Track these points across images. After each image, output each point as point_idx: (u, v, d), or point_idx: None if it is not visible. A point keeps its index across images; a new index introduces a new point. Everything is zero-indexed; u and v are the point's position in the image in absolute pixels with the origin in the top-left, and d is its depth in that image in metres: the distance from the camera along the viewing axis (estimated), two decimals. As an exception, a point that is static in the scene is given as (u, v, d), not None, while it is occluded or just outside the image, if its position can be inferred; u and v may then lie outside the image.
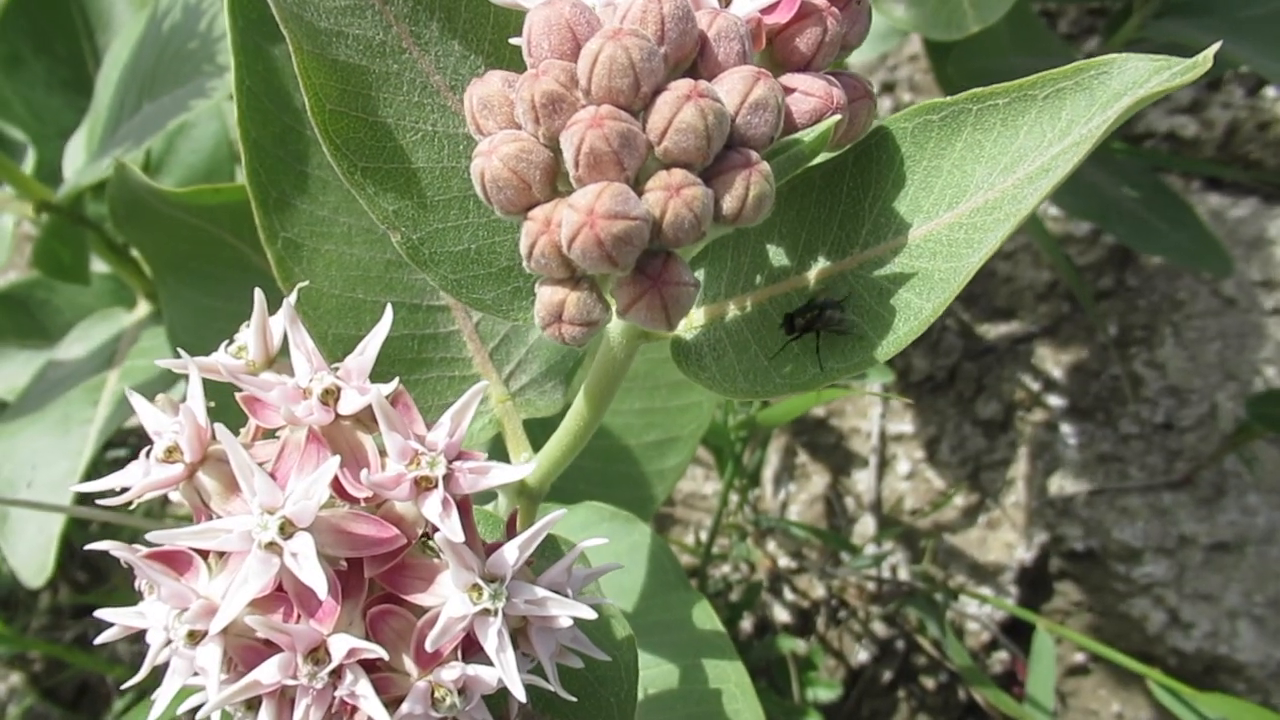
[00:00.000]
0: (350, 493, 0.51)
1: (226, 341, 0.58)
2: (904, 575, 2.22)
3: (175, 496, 0.61)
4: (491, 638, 0.50)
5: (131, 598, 1.92)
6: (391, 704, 0.52)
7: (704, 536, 2.18)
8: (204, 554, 0.54)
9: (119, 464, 1.92)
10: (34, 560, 1.27)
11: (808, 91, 0.48)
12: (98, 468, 1.79)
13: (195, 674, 0.52)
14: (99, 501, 0.59)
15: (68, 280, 1.36)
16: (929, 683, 2.27)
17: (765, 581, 2.21)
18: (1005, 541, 2.26)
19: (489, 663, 0.53)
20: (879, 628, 2.24)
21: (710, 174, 0.46)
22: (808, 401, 1.27)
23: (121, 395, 1.41)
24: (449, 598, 0.52)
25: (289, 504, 0.49)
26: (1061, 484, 2.25)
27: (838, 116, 0.47)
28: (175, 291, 1.00)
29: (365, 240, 0.72)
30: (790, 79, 0.48)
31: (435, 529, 0.51)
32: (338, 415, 0.52)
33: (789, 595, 2.29)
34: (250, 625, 0.53)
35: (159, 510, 2.52)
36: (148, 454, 0.54)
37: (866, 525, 2.29)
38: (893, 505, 2.29)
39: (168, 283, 1.00)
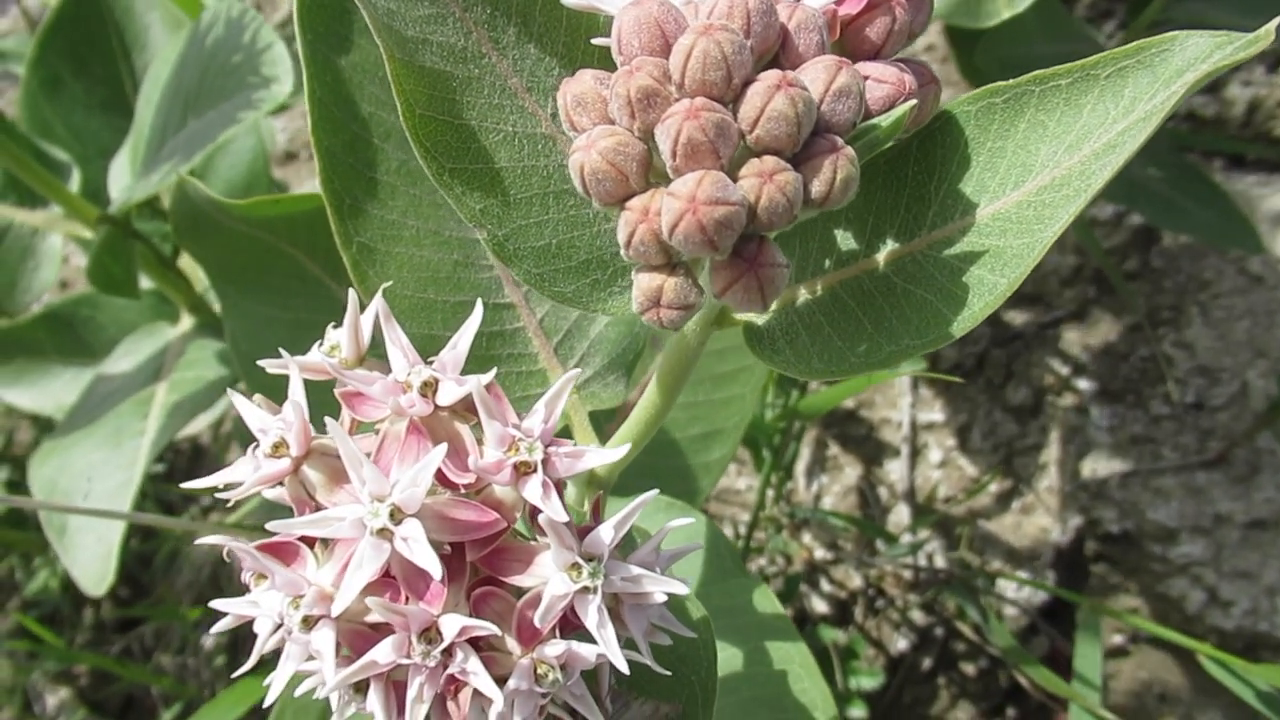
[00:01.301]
0: (451, 480, 0.54)
1: (318, 342, 0.60)
2: (940, 563, 2.24)
3: (270, 495, 0.63)
4: (592, 614, 0.53)
5: (173, 609, 1.95)
6: (497, 682, 0.54)
7: (740, 530, 2.20)
8: (310, 545, 0.56)
9: (158, 478, 1.94)
10: (94, 570, 1.30)
11: (880, 79, 0.50)
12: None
13: (308, 660, 0.55)
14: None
15: (118, 294, 1.39)
16: (969, 669, 2.29)
17: (803, 573, 2.23)
18: (1040, 526, 2.27)
19: (586, 640, 0.55)
20: (917, 616, 2.26)
21: (798, 160, 0.48)
22: (850, 388, 1.29)
23: (172, 407, 1.44)
24: (549, 577, 0.54)
25: (396, 492, 0.51)
26: (1094, 467, 2.26)
27: (913, 101, 0.49)
28: (235, 302, 1.02)
29: (433, 242, 0.74)
30: (863, 67, 0.51)
31: (536, 511, 0.53)
32: (436, 406, 0.54)
33: (826, 586, 2.31)
34: (359, 611, 0.55)
35: (198, 516, 2.55)
36: (254, 450, 0.56)
37: (900, 514, 2.30)
38: (926, 494, 2.30)
39: (227, 293, 1.02)
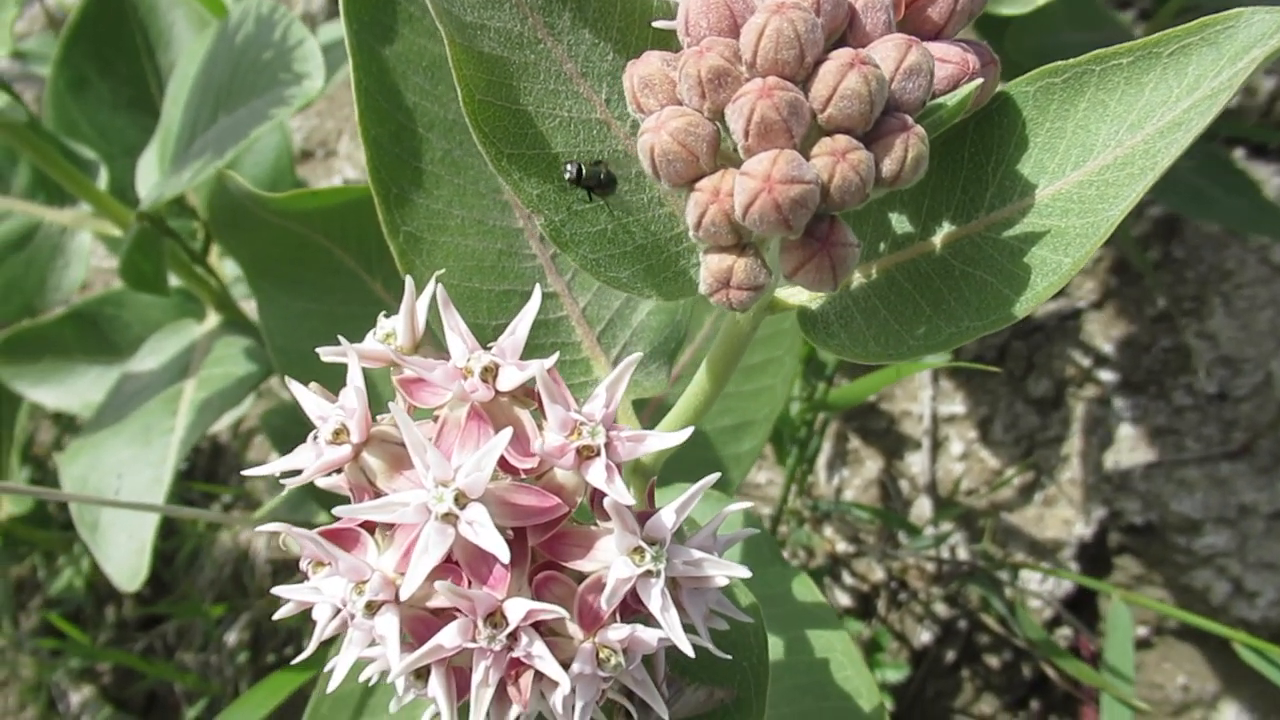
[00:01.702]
0: (512, 465, 0.54)
1: (372, 330, 0.60)
2: (963, 555, 2.23)
3: (323, 483, 0.63)
4: (655, 597, 0.53)
5: (196, 606, 1.95)
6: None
7: (763, 524, 2.20)
8: (370, 532, 0.56)
9: (178, 476, 1.93)
10: (127, 566, 1.30)
11: (944, 58, 0.50)
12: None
13: (370, 645, 0.55)
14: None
15: (148, 291, 1.40)
16: (993, 661, 2.28)
17: (825, 566, 2.23)
18: (1063, 518, 2.27)
19: (645, 625, 0.55)
20: (940, 608, 2.25)
21: (869, 139, 0.48)
22: (882, 379, 1.29)
23: (201, 404, 1.44)
24: (611, 562, 0.54)
25: (460, 476, 0.51)
26: (1117, 458, 2.25)
27: (979, 80, 0.49)
28: (270, 296, 1.03)
29: (478, 231, 0.74)
30: (927, 47, 0.50)
31: (597, 495, 0.53)
32: (496, 392, 0.54)
33: (848, 580, 2.30)
34: (420, 597, 0.55)
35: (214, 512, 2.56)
36: (314, 437, 0.56)
37: (922, 507, 2.30)
38: (948, 487, 2.30)
39: (262, 287, 1.03)
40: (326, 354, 0.58)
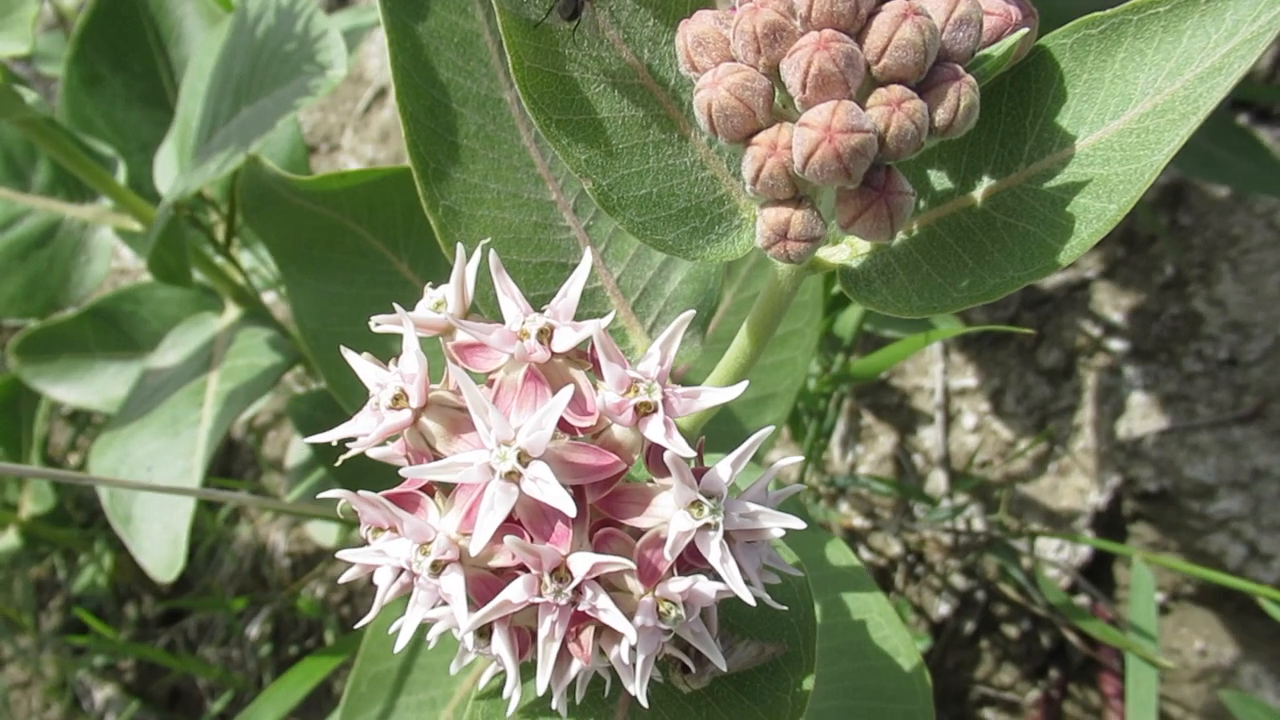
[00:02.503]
0: (570, 424, 0.55)
1: (424, 298, 0.61)
2: (979, 526, 2.25)
3: (375, 454, 0.65)
4: (715, 550, 0.54)
5: (219, 600, 1.97)
6: (618, 622, 0.55)
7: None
8: (430, 495, 0.57)
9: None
10: (163, 557, 1.31)
11: (988, 10, 0.51)
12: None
13: (435, 606, 0.56)
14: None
15: (174, 283, 1.41)
16: (1011, 631, 2.30)
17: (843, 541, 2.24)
18: (1077, 487, 2.28)
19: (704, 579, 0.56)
20: (958, 580, 2.27)
21: (922, 89, 0.49)
22: (907, 348, 1.30)
23: (227, 395, 1.44)
24: (669, 516, 0.55)
25: (522, 435, 0.52)
26: (1129, 426, 2.27)
27: (1024, 30, 0.50)
28: (299, 280, 1.04)
29: (513, 204, 0.75)
30: None
31: (654, 452, 0.54)
32: (552, 353, 0.55)
33: (865, 554, 2.32)
34: (482, 557, 0.56)
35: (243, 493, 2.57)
36: (374, 405, 0.57)
37: (937, 481, 2.31)
38: (962, 460, 2.31)
39: (291, 272, 1.04)
40: (382, 322, 0.59)
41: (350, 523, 1.86)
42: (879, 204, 0.50)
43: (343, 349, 0.60)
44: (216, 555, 2.61)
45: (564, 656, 0.61)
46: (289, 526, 2.56)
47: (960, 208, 0.59)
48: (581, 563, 0.52)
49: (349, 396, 1.06)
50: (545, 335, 0.55)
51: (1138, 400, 2.26)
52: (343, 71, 1.06)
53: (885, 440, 2.37)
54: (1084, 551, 2.26)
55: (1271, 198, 2.15)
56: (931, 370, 2.36)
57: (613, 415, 0.53)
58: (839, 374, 1.45)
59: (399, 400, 0.56)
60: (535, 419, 0.52)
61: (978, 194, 0.59)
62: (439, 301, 0.60)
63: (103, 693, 2.62)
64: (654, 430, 0.53)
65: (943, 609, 2.24)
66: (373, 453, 0.65)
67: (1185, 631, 2.26)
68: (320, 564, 2.52)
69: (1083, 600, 2.27)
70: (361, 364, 0.59)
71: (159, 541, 1.31)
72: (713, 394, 0.55)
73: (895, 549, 2.29)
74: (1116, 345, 2.28)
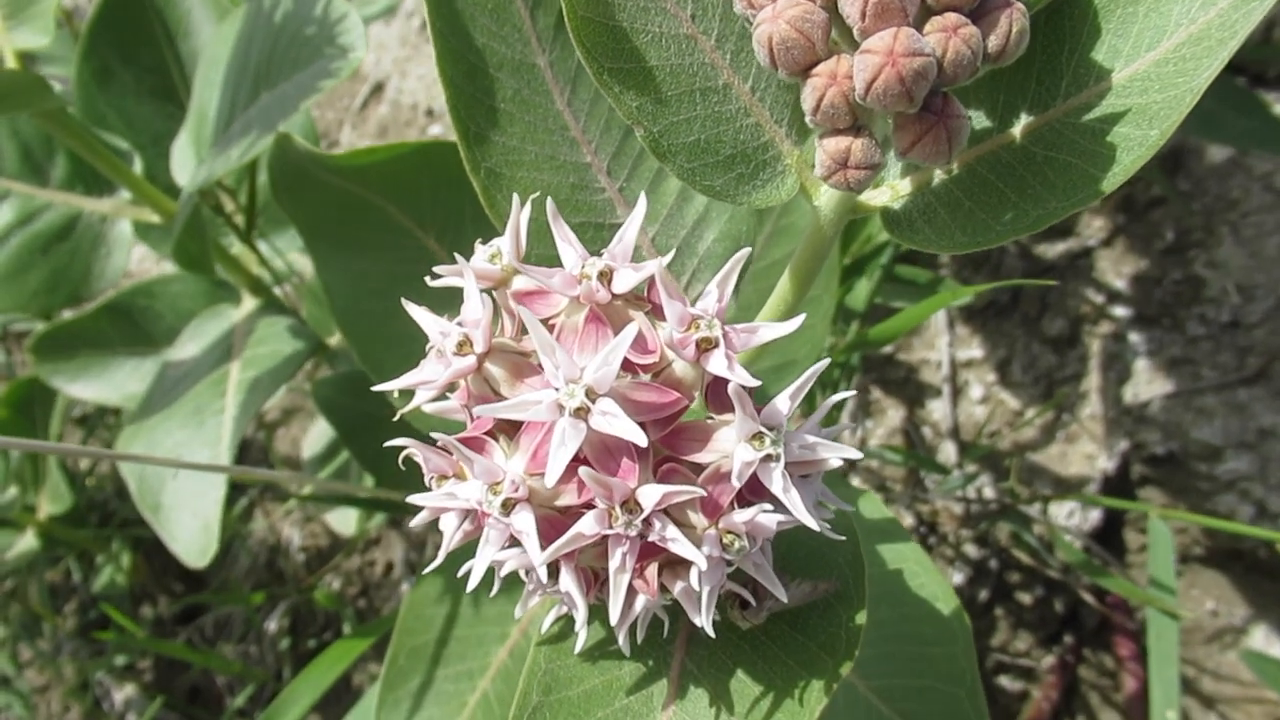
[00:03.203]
0: (632, 363, 0.56)
1: (477, 252, 0.63)
2: (990, 495, 2.27)
3: (431, 408, 0.66)
4: (777, 480, 0.55)
5: (238, 593, 1.98)
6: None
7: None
8: (494, 439, 0.59)
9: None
10: (195, 543, 1.32)
11: (1030, -56, 0.53)
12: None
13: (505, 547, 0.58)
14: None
15: (197, 271, 1.42)
16: (1025, 598, 2.32)
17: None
18: (1085, 453, 2.30)
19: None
20: (971, 550, 2.29)
21: (975, 16, 0.50)
22: (926, 309, 1.31)
23: (251, 383, 1.45)
24: (730, 450, 0.57)
25: (588, 373, 0.54)
26: (1135, 391, 2.29)
27: (1068, -40, 0.52)
28: (328, 258, 1.05)
29: (551, 166, 0.77)
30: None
31: (712, 388, 0.56)
32: (612, 295, 0.57)
33: (878, 528, 2.33)
34: (548, 496, 0.58)
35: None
36: (437, 354, 0.59)
37: (947, 452, 2.33)
38: (970, 431, 2.33)
39: (320, 250, 1.05)
40: (443, 272, 0.61)
41: (370, 509, 1.87)
42: (938, 128, 0.52)
43: (405, 302, 0.62)
44: (232, 551, 2.62)
45: (629, 593, 0.63)
46: (303, 521, 2.57)
47: (999, 145, 0.61)
48: (650, 494, 0.54)
49: (380, 371, 1.07)
50: (605, 277, 0.56)
51: (1143, 365, 2.28)
52: (363, 53, 1.08)
53: (894, 414, 2.39)
54: (1095, 517, 2.29)
55: (1270, 161, 2.17)
56: (937, 343, 2.38)
57: (677, 350, 0.55)
58: (855, 340, 1.47)
59: (463, 346, 0.57)
60: (602, 355, 0.53)
61: (1016, 130, 0.61)
62: (494, 253, 0.62)
63: (123, 693, 2.63)
64: (716, 364, 0.55)
65: (956, 578, 2.26)
66: (429, 407, 0.66)
67: (1196, 593, 2.28)
68: (337, 556, 2.53)
69: (1095, 563, 2.29)
70: (423, 314, 0.60)
71: (189, 528, 1.33)
72: (770, 329, 0.56)
73: (908, 521, 2.31)
74: (1120, 312, 2.30)
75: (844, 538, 0.61)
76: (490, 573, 0.62)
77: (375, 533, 2.56)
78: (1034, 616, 2.33)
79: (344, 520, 1.97)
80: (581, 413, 0.53)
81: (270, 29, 1.20)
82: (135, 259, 2.65)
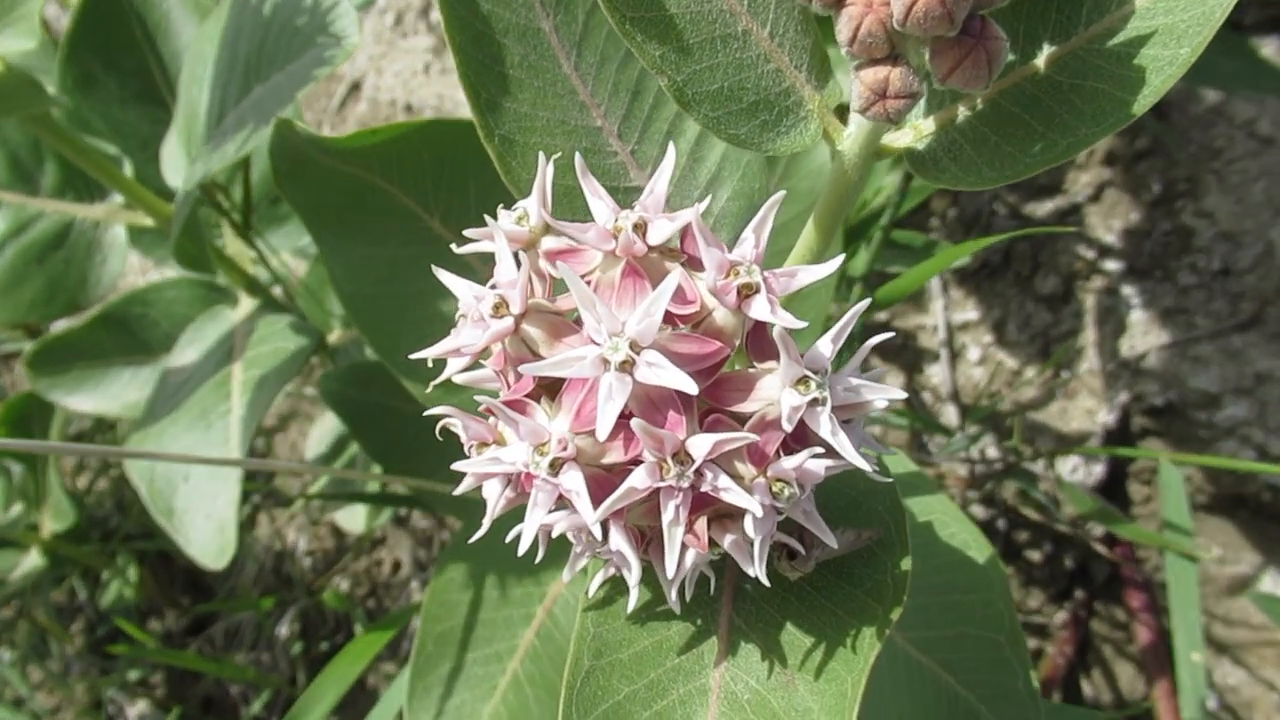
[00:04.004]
0: (672, 314, 0.56)
1: (506, 211, 0.62)
2: (994, 454, 2.28)
3: (462, 378, 0.65)
4: (825, 424, 0.55)
5: (249, 599, 1.97)
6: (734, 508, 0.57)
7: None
8: (536, 401, 0.58)
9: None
10: (212, 544, 1.31)
11: None
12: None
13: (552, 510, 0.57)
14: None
15: (197, 270, 1.40)
16: (1034, 555, 2.33)
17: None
18: (1085, 409, 2.31)
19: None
20: (978, 510, 2.30)
21: (1006, -64, 0.50)
22: (935, 266, 1.31)
23: (257, 382, 1.44)
24: (775, 397, 0.56)
25: (630, 326, 0.53)
26: (1131, 344, 2.30)
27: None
28: (332, 245, 1.04)
29: (563, 131, 0.76)
30: None
31: (753, 336, 0.55)
32: (649, 247, 0.56)
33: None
34: (594, 455, 0.57)
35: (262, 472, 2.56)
36: (473, 319, 0.58)
37: (948, 416, 2.34)
38: (970, 393, 2.34)
39: (324, 237, 1.04)
40: (474, 236, 0.60)
41: (379, 504, 1.86)
42: (977, 50, 0.51)
43: (434, 268, 0.61)
44: (238, 559, 2.61)
45: (680, 549, 0.63)
46: (308, 524, 2.56)
47: (1023, 77, 0.61)
48: (701, 443, 0.54)
49: (393, 356, 1.06)
50: (639, 230, 0.56)
51: (1137, 318, 2.29)
52: (357, 39, 1.07)
53: (892, 380, 2.39)
54: (1098, 471, 2.30)
55: (1251, 108, 2.18)
56: (932, 308, 2.39)
57: (719, 296, 0.54)
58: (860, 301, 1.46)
59: (499, 309, 0.57)
60: (643, 306, 0.53)
61: (1039, 61, 0.61)
62: (520, 215, 0.61)
63: (135, 709, 2.62)
64: (759, 309, 0.54)
65: (965, 540, 2.27)
66: (460, 378, 0.65)
67: (1202, 540, 2.30)
68: (345, 557, 2.52)
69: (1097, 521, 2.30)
70: (455, 279, 0.60)
71: (204, 530, 1.32)
72: (808, 271, 0.56)
73: (913, 487, 2.31)
74: (1111, 266, 2.31)
75: (891, 479, 0.61)
76: (506, 558, 0.61)
77: (380, 532, 2.55)
78: (1044, 574, 2.34)
79: (353, 518, 1.97)
80: (626, 366, 0.53)
81: (259, 21, 1.19)
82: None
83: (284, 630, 2.46)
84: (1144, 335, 2.29)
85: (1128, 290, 2.31)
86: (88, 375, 1.69)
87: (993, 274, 2.39)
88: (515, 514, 0.94)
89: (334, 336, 1.61)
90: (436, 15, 2.72)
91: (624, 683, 0.67)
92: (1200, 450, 2.23)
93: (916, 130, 0.64)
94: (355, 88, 2.91)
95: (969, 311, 2.37)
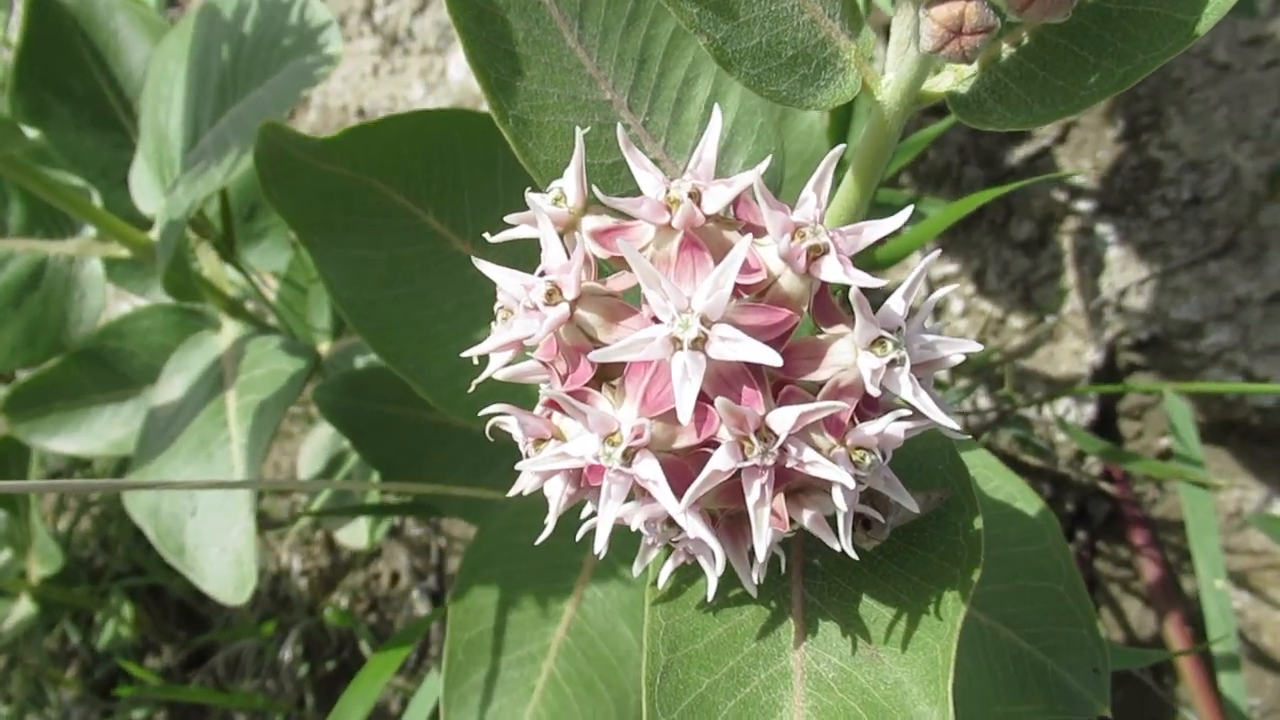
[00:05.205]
0: (737, 284, 0.53)
1: (541, 195, 0.59)
2: (986, 404, 2.28)
3: (504, 374, 0.62)
4: (905, 384, 0.53)
5: (250, 627, 1.92)
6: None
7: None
8: (596, 389, 0.55)
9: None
10: (230, 578, 1.26)
11: None
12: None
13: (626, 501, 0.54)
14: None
15: (185, 299, 1.35)
16: (1035, 501, 2.33)
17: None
18: (1072, 350, 2.32)
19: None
20: (975, 462, 2.30)
21: None
22: (934, 227, 1.30)
23: (257, 407, 1.38)
24: (848, 362, 0.54)
25: (698, 301, 0.50)
26: (1111, 281, 2.31)
27: None
28: (325, 251, 1.00)
29: (574, 107, 0.73)
30: None
31: (824, 299, 0.53)
32: (705, 217, 0.53)
33: (880, 457, 2.33)
34: (664, 440, 0.54)
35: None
36: (531, 306, 0.55)
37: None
38: (956, 345, 2.33)
39: (316, 244, 1.00)
40: (515, 220, 0.57)
41: (382, 516, 1.83)
42: None
43: (476, 260, 0.58)
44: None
45: (737, 537, 0.60)
46: (301, 543, 2.51)
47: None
48: (784, 417, 0.51)
49: (399, 360, 1.02)
50: (695, 199, 0.53)
51: (1114, 255, 2.30)
52: (340, 50, 1.02)
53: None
54: (1089, 412, 2.31)
55: (1205, 37, 2.18)
56: (910, 264, 2.38)
57: (790, 261, 0.51)
58: (864, 262, 1.44)
59: (552, 295, 0.53)
60: (711, 279, 0.50)
61: (1086, -12, 0.58)
62: (557, 196, 0.58)
63: (141, 748, 2.56)
64: (830, 270, 0.51)
65: (966, 493, 2.27)
66: (501, 374, 0.62)
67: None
68: (347, 575, 2.48)
69: (1093, 460, 2.31)
70: (499, 270, 0.56)
71: (220, 564, 1.27)
72: (875, 227, 0.53)
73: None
74: (1084, 206, 2.31)
75: (969, 436, 0.59)
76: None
77: (375, 545, 2.51)
78: (1046, 518, 2.34)
79: (355, 534, 1.92)
80: (699, 343, 0.50)
81: (231, 36, 1.14)
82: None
83: (287, 653, 2.41)
84: (1122, 272, 2.30)
85: (1102, 229, 2.31)
86: (68, 416, 1.63)
87: (967, 224, 2.39)
88: (530, 510, 0.92)
89: (322, 350, 1.56)
90: (380, 16, 2.66)
91: (703, 674, 0.65)
92: (1188, 380, 2.24)
93: (958, 73, 0.62)
94: (304, 97, 2.84)
95: (947, 264, 2.36)
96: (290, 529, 2.42)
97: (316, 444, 1.88)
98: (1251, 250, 2.24)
